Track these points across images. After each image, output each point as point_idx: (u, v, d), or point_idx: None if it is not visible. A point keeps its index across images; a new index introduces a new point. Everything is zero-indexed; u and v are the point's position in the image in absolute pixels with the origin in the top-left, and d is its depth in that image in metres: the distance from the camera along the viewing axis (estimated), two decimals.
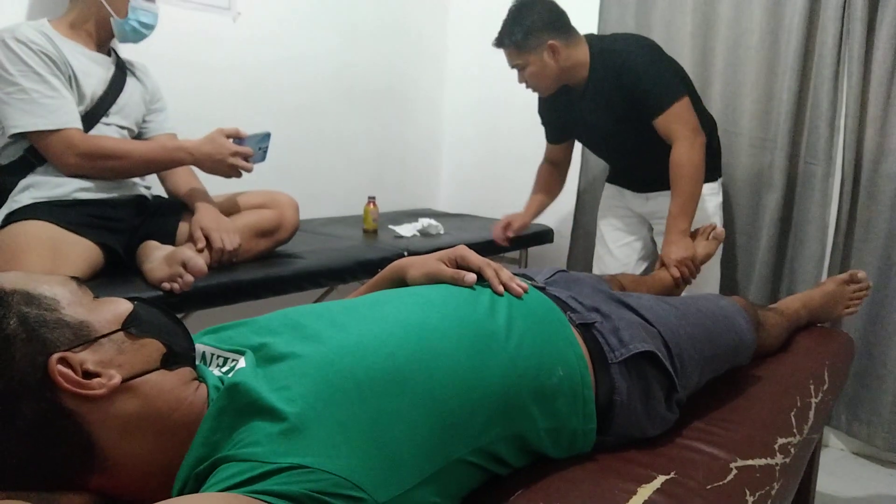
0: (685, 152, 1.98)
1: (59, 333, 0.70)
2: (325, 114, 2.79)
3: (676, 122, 1.99)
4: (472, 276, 1.03)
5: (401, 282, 1.12)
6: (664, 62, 2.05)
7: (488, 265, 1.06)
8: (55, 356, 0.68)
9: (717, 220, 2.23)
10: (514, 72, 2.17)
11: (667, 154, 2.03)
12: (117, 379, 0.71)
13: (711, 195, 2.22)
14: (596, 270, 2.49)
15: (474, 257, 1.07)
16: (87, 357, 0.71)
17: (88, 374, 0.70)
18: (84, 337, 0.72)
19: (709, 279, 2.23)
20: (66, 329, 0.71)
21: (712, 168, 2.21)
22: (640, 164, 2.24)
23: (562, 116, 2.29)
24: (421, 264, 1.09)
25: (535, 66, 2.07)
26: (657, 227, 2.31)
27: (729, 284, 2.44)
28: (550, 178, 2.45)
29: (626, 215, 2.39)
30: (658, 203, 2.25)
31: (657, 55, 2.05)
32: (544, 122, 2.40)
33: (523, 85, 2.15)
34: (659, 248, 2.32)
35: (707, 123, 2.20)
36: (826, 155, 2.26)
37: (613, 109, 2.08)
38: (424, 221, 2.52)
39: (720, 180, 2.26)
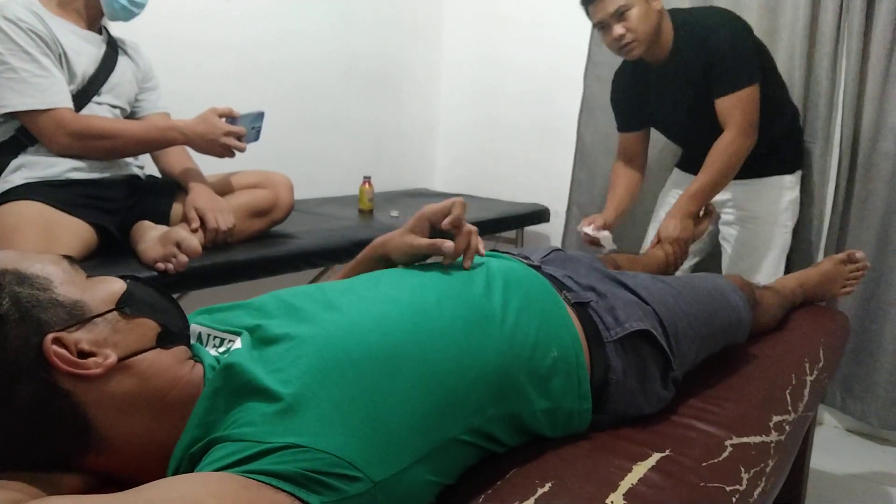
0: (734, 143, 1.92)
1: (52, 313, 0.69)
2: (321, 93, 2.77)
3: (739, 108, 1.91)
4: (448, 244, 1.01)
5: (382, 260, 1.11)
6: (747, 41, 1.96)
7: (443, 215, 1.03)
8: (49, 336, 0.68)
9: (788, 215, 2.14)
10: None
11: (762, 139, 1.97)
12: (113, 358, 0.70)
13: (788, 189, 2.13)
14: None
15: (437, 206, 1.04)
16: (81, 337, 0.70)
17: (83, 354, 0.70)
18: (78, 317, 0.71)
19: (766, 270, 2.14)
20: (59, 309, 0.70)
21: (789, 159, 2.15)
22: None
23: (639, 99, 2.17)
24: (397, 244, 1.07)
25: (640, 8, 1.91)
26: (725, 217, 2.23)
27: None
28: (627, 178, 2.25)
29: None
30: (731, 191, 2.16)
31: (742, 32, 1.95)
32: (618, 110, 2.26)
33: (616, 43, 1.95)
34: (721, 236, 2.27)
35: (790, 111, 2.14)
36: (824, 133, 2.24)
37: (694, 85, 1.99)
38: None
39: (799, 173, 2.17)
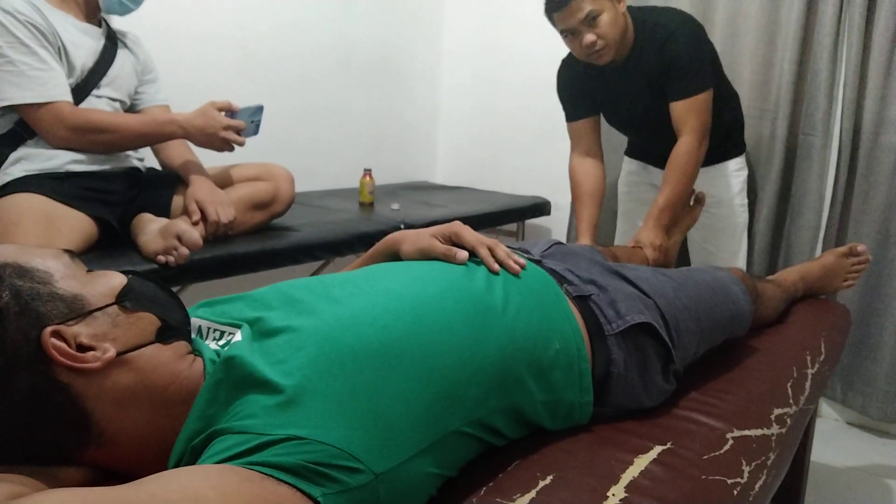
0: (692, 148, 1.92)
1: (52, 307, 0.69)
2: (321, 86, 2.76)
3: (694, 113, 1.92)
4: (463, 254, 1.01)
5: (395, 255, 1.11)
6: (705, 47, 1.97)
7: (482, 244, 1.03)
8: (49, 329, 0.68)
9: (744, 194, 2.19)
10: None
11: (715, 128, 2.00)
12: (112, 352, 0.70)
13: (738, 170, 2.18)
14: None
15: (469, 235, 1.04)
16: (81, 330, 0.70)
17: (82, 348, 0.70)
18: (78, 310, 0.71)
19: (732, 251, 2.20)
20: (59, 302, 0.70)
21: (739, 142, 2.20)
22: (673, 142, 2.09)
23: (589, 89, 2.12)
24: (414, 239, 1.07)
25: (609, 13, 1.85)
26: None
27: None
28: (588, 173, 2.15)
29: (650, 192, 2.30)
30: None
31: (701, 37, 1.96)
32: (568, 99, 2.18)
33: (586, 50, 1.89)
34: None
35: (732, 97, 2.17)
36: (824, 126, 2.24)
37: (650, 86, 1.99)
38: None
39: (745, 154, 2.23)
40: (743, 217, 2.21)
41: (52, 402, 0.68)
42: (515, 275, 1.01)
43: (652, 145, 2.26)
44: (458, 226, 1.06)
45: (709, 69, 1.96)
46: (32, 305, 0.68)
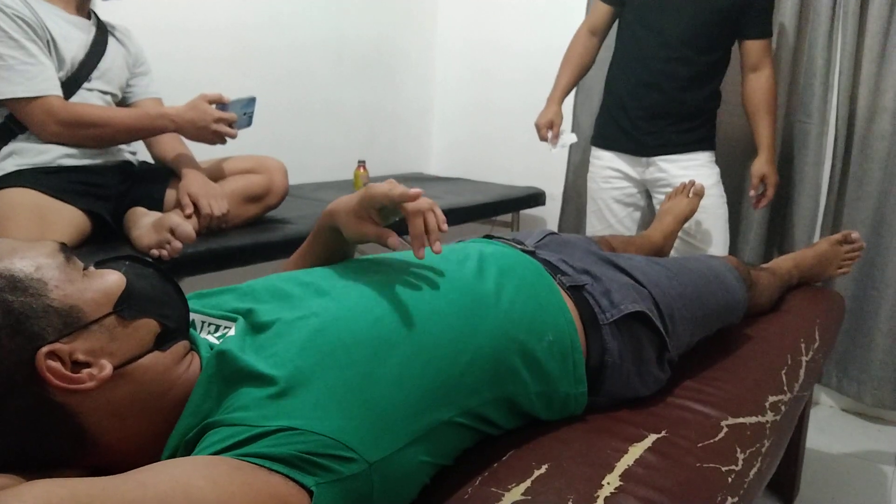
0: (774, 84, 2.09)
1: (46, 322, 0.66)
2: (314, 77, 2.75)
3: (769, 56, 2.09)
4: (394, 240, 0.88)
5: (334, 230, 0.99)
6: None
7: (418, 212, 0.86)
8: (43, 350, 0.65)
9: (722, 187, 2.18)
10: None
11: (704, 101, 2.12)
12: (108, 370, 0.68)
13: (713, 162, 2.18)
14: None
15: (379, 188, 0.88)
16: (76, 346, 0.67)
17: (78, 364, 0.67)
18: (73, 324, 0.68)
19: (716, 240, 2.20)
20: (54, 317, 0.67)
21: (713, 136, 2.20)
22: (679, 89, 2.10)
23: None
24: (344, 223, 0.95)
25: None
26: (658, 196, 2.23)
27: None
28: (587, 49, 2.30)
29: (624, 186, 2.28)
30: (660, 169, 2.18)
31: None
32: None
33: None
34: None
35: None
36: (820, 113, 2.24)
37: (718, 4, 2.00)
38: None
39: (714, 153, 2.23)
40: (722, 209, 2.19)
41: (47, 420, 0.67)
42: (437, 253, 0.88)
43: (650, 93, 2.14)
44: (366, 195, 0.90)
45: None
46: (26, 325, 0.65)
